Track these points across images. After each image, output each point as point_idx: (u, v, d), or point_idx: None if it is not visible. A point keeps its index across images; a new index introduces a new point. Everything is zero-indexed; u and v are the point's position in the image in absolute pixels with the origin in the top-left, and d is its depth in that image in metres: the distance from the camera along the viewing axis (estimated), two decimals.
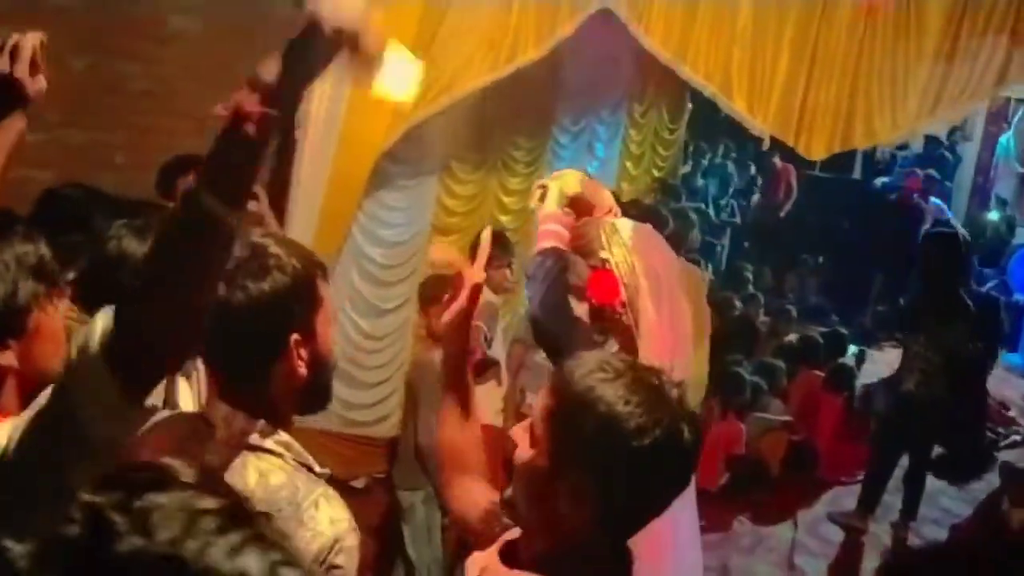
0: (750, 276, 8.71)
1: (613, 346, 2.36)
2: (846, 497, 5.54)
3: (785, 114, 3.47)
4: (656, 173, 7.82)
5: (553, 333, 2.32)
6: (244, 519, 0.78)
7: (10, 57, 1.72)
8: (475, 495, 1.80)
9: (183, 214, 1.15)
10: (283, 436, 1.43)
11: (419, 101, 4.28)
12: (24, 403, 1.37)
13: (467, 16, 4.23)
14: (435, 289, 4.14)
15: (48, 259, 1.50)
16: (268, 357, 1.41)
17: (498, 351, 4.14)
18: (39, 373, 1.42)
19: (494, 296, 3.98)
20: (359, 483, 4.83)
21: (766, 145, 4.09)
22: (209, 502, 0.77)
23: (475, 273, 1.83)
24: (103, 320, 1.18)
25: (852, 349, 7.76)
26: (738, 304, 7.41)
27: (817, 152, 3.48)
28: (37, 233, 1.53)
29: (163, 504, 0.74)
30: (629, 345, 2.25)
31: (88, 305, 1.63)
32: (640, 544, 1.48)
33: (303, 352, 1.41)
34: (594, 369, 1.37)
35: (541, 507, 1.39)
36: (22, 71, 1.71)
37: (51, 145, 3.70)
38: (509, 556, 1.49)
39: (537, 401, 1.46)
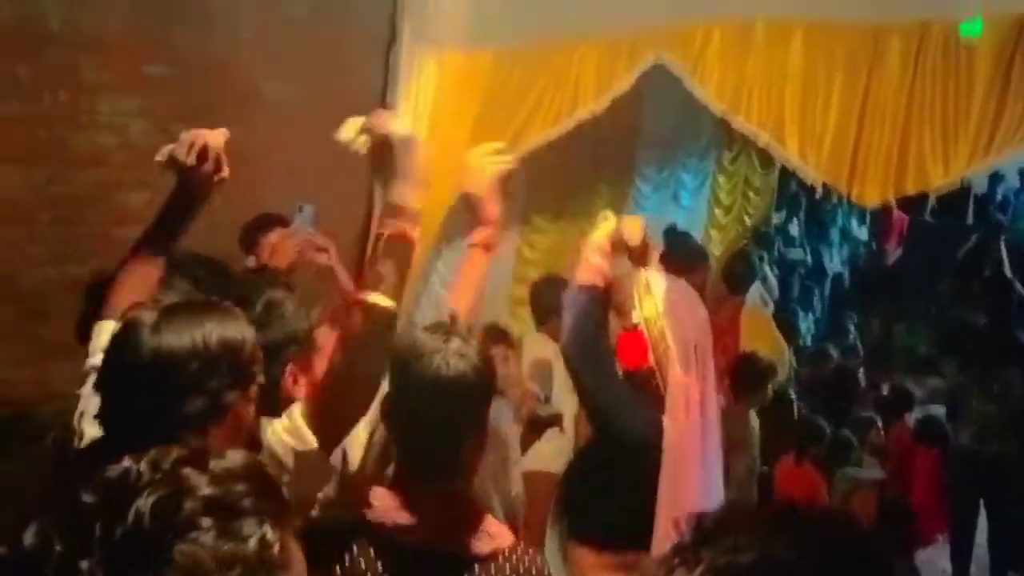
0: (852, 327, 8.46)
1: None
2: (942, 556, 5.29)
3: (837, 162, 3.44)
4: (747, 220, 7.72)
5: (579, 368, 2.36)
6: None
7: (198, 152, 1.94)
8: None
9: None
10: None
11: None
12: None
13: (531, 72, 4.41)
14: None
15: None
16: None
17: (563, 401, 4.18)
18: (316, 378, 1.94)
19: (549, 352, 4.02)
20: None
21: (819, 194, 4.07)
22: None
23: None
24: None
25: None
26: (835, 354, 7.22)
27: (871, 200, 3.43)
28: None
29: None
30: (656, 403, 2.30)
31: None
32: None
33: None
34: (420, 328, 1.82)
35: None
36: (215, 168, 1.99)
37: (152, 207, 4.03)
38: None
39: None
